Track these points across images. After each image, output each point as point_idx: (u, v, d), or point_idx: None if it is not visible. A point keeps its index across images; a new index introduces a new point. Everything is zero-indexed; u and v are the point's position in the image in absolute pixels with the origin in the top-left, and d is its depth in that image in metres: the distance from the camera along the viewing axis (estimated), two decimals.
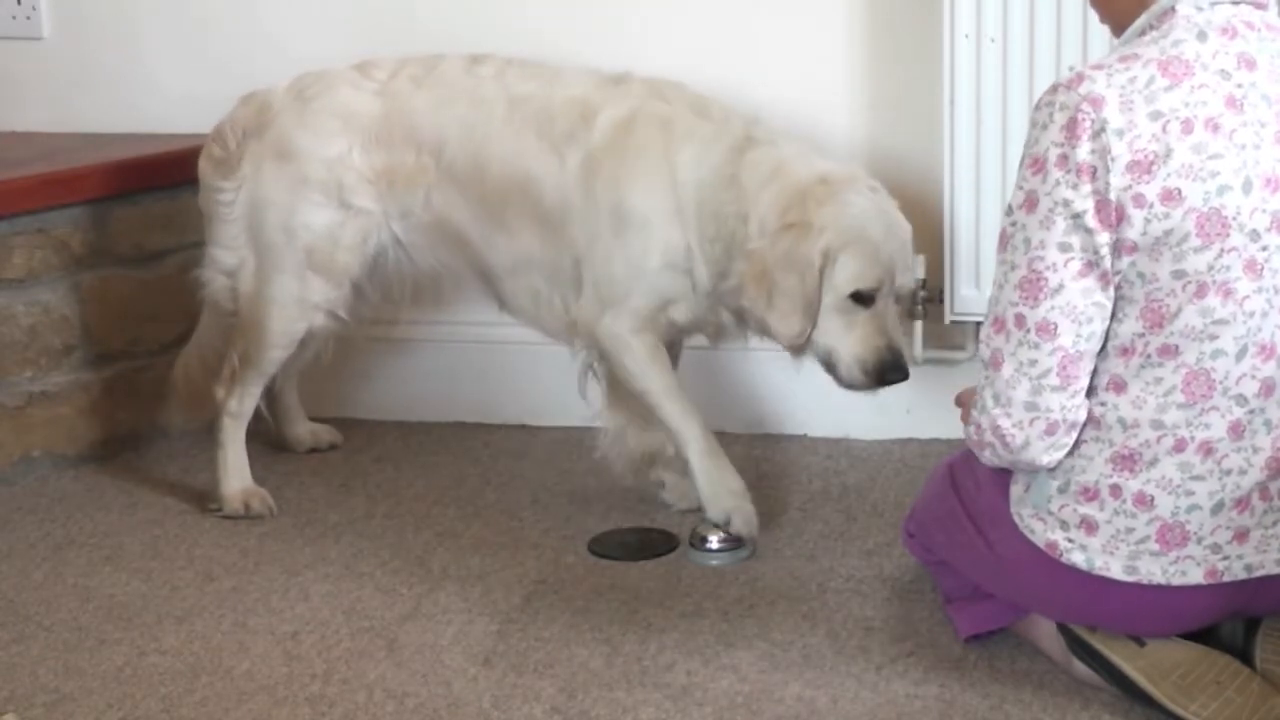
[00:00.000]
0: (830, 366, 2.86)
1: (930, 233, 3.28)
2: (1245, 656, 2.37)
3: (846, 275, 2.78)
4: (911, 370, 3.40)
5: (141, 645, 2.67)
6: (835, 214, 2.79)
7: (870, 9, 3.38)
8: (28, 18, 3.86)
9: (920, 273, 3.33)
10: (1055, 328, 2.23)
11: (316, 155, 3.13)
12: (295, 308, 3.18)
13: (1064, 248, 2.21)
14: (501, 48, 3.26)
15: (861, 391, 2.86)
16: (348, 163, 3.12)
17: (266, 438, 3.46)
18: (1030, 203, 2.23)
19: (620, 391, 3.04)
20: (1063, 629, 2.43)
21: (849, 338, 2.81)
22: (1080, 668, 2.42)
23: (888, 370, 2.82)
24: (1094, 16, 3.06)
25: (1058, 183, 2.20)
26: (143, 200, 3.55)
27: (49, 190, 3.41)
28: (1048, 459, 2.30)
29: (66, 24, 3.85)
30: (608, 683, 2.50)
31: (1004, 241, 2.28)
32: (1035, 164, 2.22)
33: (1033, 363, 2.25)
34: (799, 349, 2.85)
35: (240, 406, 3.24)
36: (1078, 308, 2.23)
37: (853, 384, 2.85)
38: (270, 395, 3.40)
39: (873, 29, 3.39)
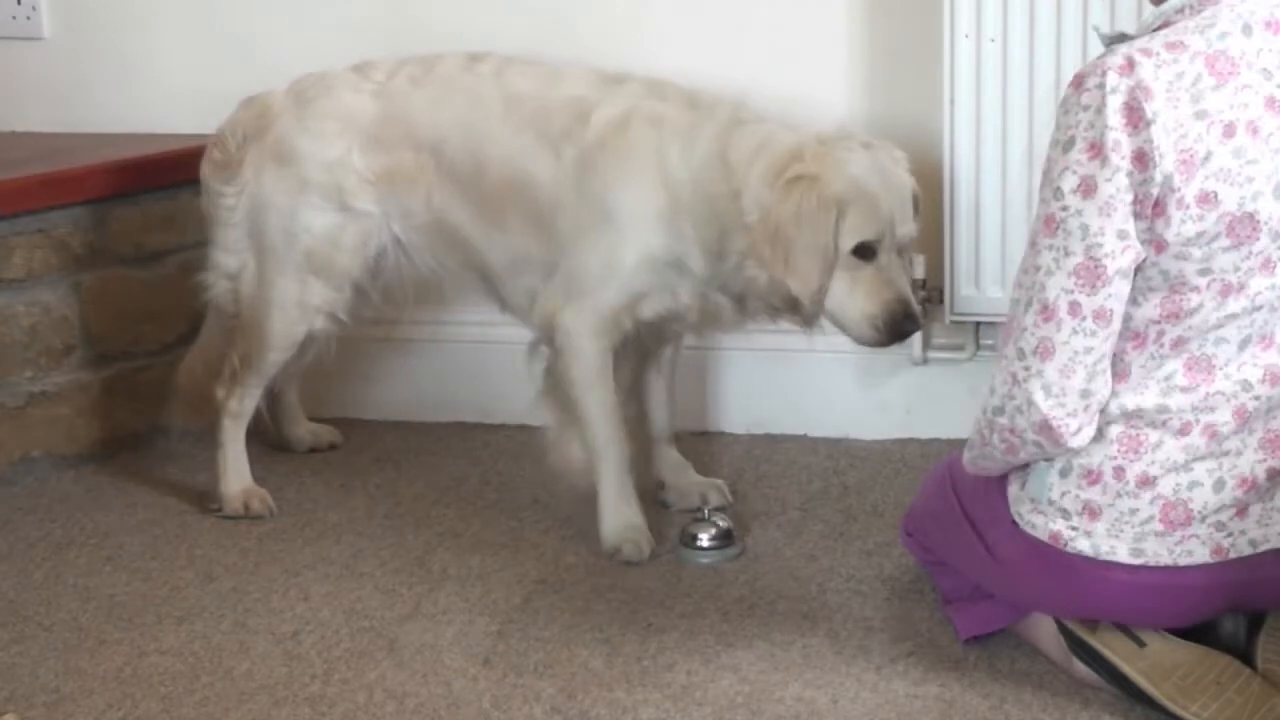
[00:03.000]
0: (841, 326, 2.83)
1: (930, 233, 3.28)
2: (1247, 657, 2.37)
3: (847, 228, 2.76)
4: (911, 370, 3.44)
5: (141, 645, 2.67)
6: (837, 166, 2.78)
7: (870, 9, 3.38)
8: (28, 18, 3.86)
9: (920, 273, 3.33)
10: (1111, 314, 2.21)
11: (316, 158, 3.12)
12: (296, 311, 3.17)
13: (1122, 235, 2.18)
14: (503, 45, 3.26)
15: (878, 347, 2.85)
16: (347, 165, 3.11)
17: (267, 438, 3.46)
18: (1087, 188, 2.18)
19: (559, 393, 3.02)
20: (1063, 629, 2.43)
21: (856, 294, 2.78)
22: (1080, 668, 2.42)
23: (900, 322, 2.79)
24: (1093, 18, 3.10)
25: (1118, 169, 2.16)
26: (143, 200, 3.55)
27: (49, 190, 3.40)
28: (1086, 439, 2.27)
29: (66, 24, 3.85)
30: (608, 683, 2.50)
31: (1051, 226, 2.22)
32: (1093, 149, 2.17)
33: (1089, 350, 2.22)
34: (816, 309, 2.81)
35: (240, 407, 3.24)
36: (1124, 294, 2.22)
37: (865, 341, 2.82)
38: (271, 396, 3.39)
39: (872, 29, 3.39)
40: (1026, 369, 2.25)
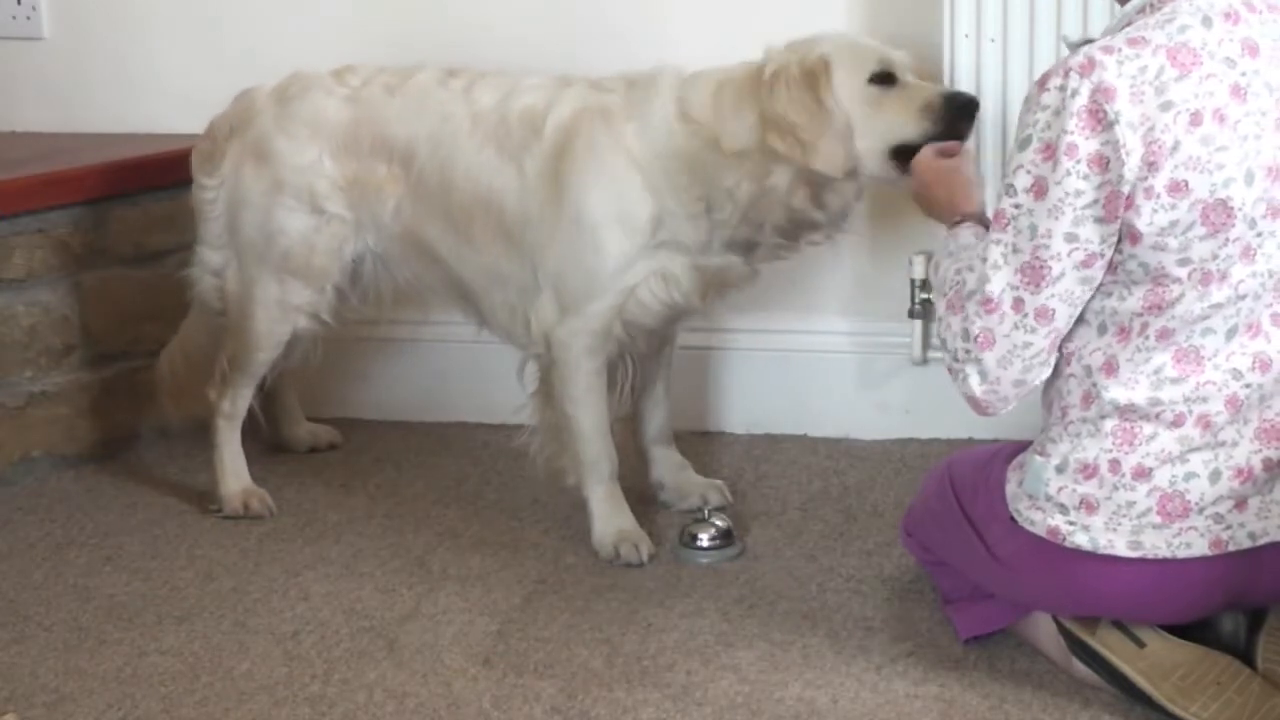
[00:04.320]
0: (898, 153, 2.75)
1: (930, 232, 3.28)
2: (1247, 657, 2.37)
3: (851, 67, 2.77)
4: (911, 370, 3.44)
5: (141, 645, 2.67)
6: (808, 45, 2.81)
7: (870, 9, 3.38)
8: (28, 18, 3.86)
9: (920, 273, 3.33)
10: (1053, 313, 2.27)
11: (290, 160, 3.11)
12: (277, 310, 3.17)
13: (1070, 238, 2.22)
14: (500, 43, 3.26)
15: (940, 138, 2.70)
16: (319, 169, 3.10)
17: (262, 437, 3.46)
18: (1039, 189, 2.23)
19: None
20: (1063, 630, 2.43)
21: (891, 115, 2.75)
22: (1080, 668, 2.42)
23: (951, 97, 2.76)
24: (1093, 18, 3.10)
25: (1069, 172, 2.20)
26: (143, 200, 3.55)
27: (49, 190, 3.41)
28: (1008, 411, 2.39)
29: (66, 24, 3.85)
30: (608, 683, 2.50)
31: (1002, 222, 2.27)
32: (1046, 150, 2.21)
33: (1027, 345, 2.28)
34: (854, 173, 2.79)
35: (233, 408, 3.24)
36: (1074, 293, 2.26)
37: (925, 135, 2.72)
38: (267, 397, 3.39)
39: (873, 29, 3.38)
40: (968, 352, 2.31)
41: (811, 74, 2.75)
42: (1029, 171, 2.24)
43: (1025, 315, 2.27)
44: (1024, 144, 2.25)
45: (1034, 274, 2.25)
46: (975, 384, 2.32)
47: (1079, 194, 2.20)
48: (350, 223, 3.12)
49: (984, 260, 2.29)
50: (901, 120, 2.76)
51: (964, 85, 3.20)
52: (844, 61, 2.77)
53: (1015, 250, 2.26)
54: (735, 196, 2.82)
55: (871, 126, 2.77)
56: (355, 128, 3.09)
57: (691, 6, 3.47)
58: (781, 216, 2.84)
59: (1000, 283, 2.27)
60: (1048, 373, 2.33)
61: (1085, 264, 2.23)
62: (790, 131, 2.75)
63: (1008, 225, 2.26)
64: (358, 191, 3.10)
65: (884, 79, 2.78)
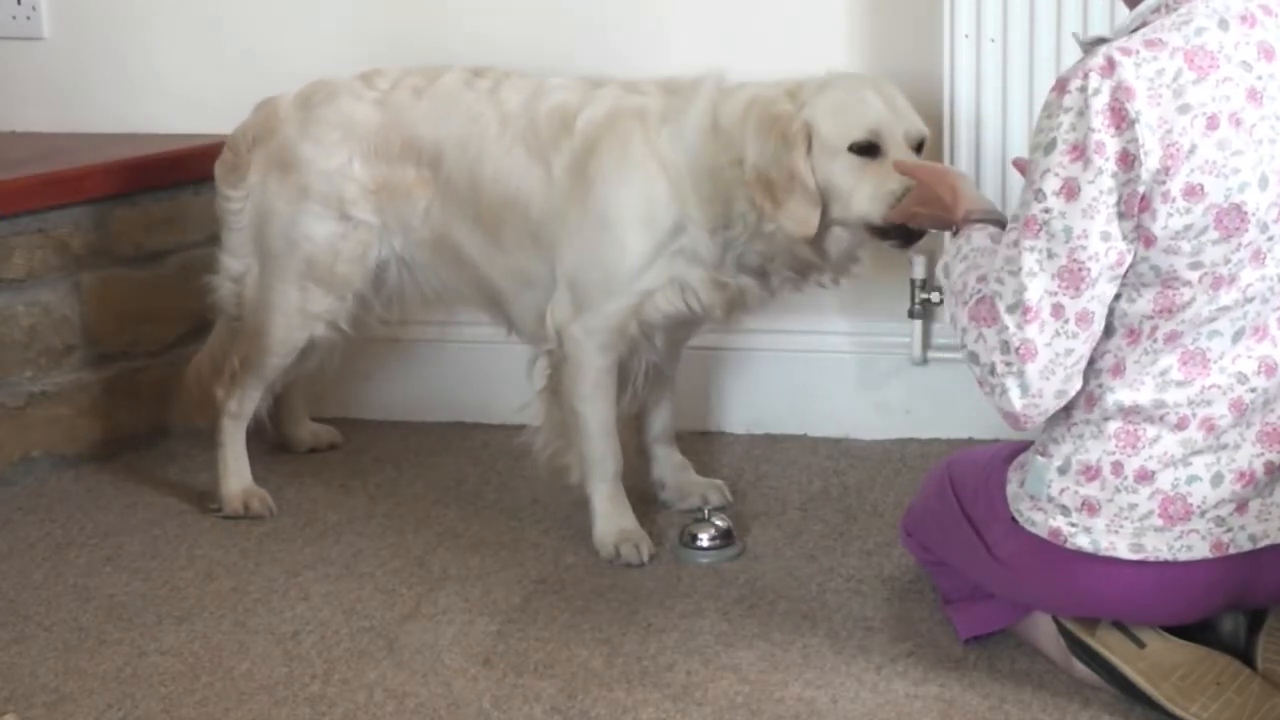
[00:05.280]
0: (855, 218, 2.75)
1: (930, 233, 3.27)
2: (1247, 657, 2.37)
3: (833, 133, 2.74)
4: (911, 370, 3.44)
5: (141, 645, 2.67)
6: (811, 96, 2.78)
7: (870, 9, 3.38)
8: (28, 18, 3.86)
9: (920, 273, 3.33)
10: (1093, 316, 2.24)
11: (317, 166, 3.11)
12: (297, 317, 3.17)
13: (1105, 236, 2.20)
14: (497, 42, 3.26)
15: (896, 241, 2.76)
16: (348, 174, 3.10)
17: (267, 438, 3.46)
18: (1070, 190, 2.20)
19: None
20: (1063, 630, 2.43)
21: (859, 189, 2.73)
22: (1080, 668, 2.42)
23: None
24: (1093, 18, 3.10)
25: (1100, 170, 2.18)
26: (143, 200, 3.55)
27: (49, 190, 3.41)
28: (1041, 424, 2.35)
29: (66, 24, 3.85)
30: (608, 683, 2.50)
31: (1034, 228, 2.23)
32: (1075, 151, 2.19)
33: (1069, 352, 2.25)
34: (820, 241, 2.79)
35: (240, 408, 3.24)
36: (1106, 295, 2.24)
37: (886, 221, 2.73)
38: (274, 396, 3.39)
39: (872, 29, 3.39)
40: (1008, 365, 2.26)
41: (793, 139, 2.74)
42: (1057, 174, 2.21)
43: (1066, 321, 2.23)
44: (1048, 148, 2.22)
45: (1073, 277, 2.22)
46: (1015, 398, 2.26)
47: (1110, 191, 2.19)
48: (376, 228, 3.12)
49: (1016, 271, 2.24)
50: (869, 200, 2.73)
51: (964, 85, 3.21)
52: (828, 128, 2.74)
53: (1050, 255, 2.22)
54: (746, 220, 2.81)
55: (845, 198, 2.75)
56: (385, 131, 3.09)
57: (690, 6, 3.47)
58: (787, 254, 2.84)
59: (1038, 290, 2.23)
60: (1080, 384, 2.29)
61: (1118, 263, 2.22)
62: (766, 185, 2.75)
63: (1040, 231, 2.22)
64: (386, 195, 3.09)
65: (867, 149, 2.74)
